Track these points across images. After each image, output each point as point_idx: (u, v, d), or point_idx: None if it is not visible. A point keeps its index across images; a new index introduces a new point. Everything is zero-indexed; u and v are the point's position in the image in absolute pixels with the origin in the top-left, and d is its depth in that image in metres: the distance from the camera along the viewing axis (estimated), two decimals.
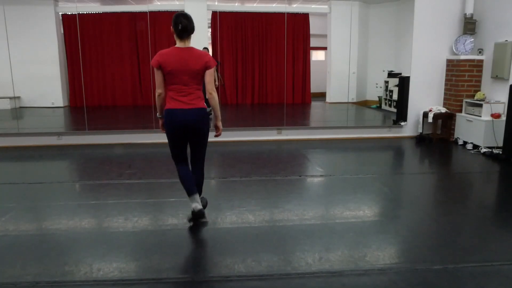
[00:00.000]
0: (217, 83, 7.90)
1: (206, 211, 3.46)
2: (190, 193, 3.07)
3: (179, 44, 2.94)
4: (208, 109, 3.08)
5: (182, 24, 2.86)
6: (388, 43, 8.51)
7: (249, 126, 6.87)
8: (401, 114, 6.83)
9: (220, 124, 3.14)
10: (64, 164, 5.40)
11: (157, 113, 3.09)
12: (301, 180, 4.48)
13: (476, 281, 2.40)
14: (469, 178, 4.73)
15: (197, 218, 3.08)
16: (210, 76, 2.94)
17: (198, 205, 3.04)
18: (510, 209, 3.64)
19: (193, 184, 3.09)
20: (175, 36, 2.92)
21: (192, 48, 2.94)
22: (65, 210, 3.54)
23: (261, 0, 8.97)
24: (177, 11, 2.99)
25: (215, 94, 2.95)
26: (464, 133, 6.14)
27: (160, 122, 3.13)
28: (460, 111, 6.33)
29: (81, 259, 2.65)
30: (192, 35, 3.01)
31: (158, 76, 2.91)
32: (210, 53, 8.47)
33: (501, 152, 5.29)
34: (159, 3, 8.50)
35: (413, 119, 6.76)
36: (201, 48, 7.15)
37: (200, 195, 3.24)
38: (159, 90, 2.95)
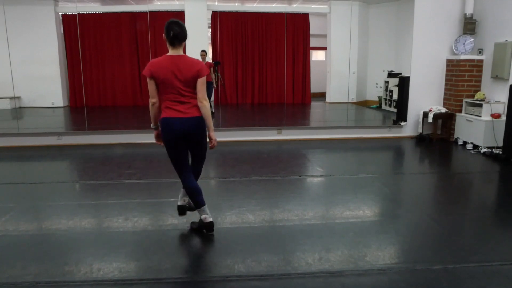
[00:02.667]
0: (214, 85, 7.91)
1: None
2: (199, 206, 3.02)
3: (171, 52, 2.85)
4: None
5: (174, 31, 2.78)
6: (388, 43, 8.52)
7: (249, 126, 6.88)
8: (401, 114, 6.83)
9: (213, 134, 2.97)
10: (64, 164, 5.40)
11: (151, 124, 2.98)
12: (301, 180, 4.48)
13: (476, 281, 2.40)
14: (469, 178, 4.73)
15: (206, 230, 3.06)
16: (201, 85, 2.86)
17: (208, 217, 3.03)
18: (510, 209, 3.63)
19: (201, 196, 3.02)
20: (167, 43, 2.86)
21: (184, 56, 2.87)
22: (65, 210, 3.54)
23: (261, 0, 8.97)
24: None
25: (206, 103, 2.86)
26: (464, 133, 6.14)
27: (155, 133, 3.04)
28: (460, 111, 6.33)
29: (81, 259, 2.65)
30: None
31: (151, 86, 2.83)
32: (210, 54, 8.48)
33: (501, 152, 5.29)
34: (159, 3, 8.50)
35: (413, 119, 6.76)
36: (199, 51, 7.19)
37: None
38: (153, 100, 2.86)
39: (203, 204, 3.02)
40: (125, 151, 5.89)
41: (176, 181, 3.91)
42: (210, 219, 3.04)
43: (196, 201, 3.01)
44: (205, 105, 2.86)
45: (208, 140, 3.00)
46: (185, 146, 2.97)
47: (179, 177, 3.04)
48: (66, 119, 8.34)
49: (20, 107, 8.02)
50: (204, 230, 3.07)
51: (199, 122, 2.91)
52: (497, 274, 2.49)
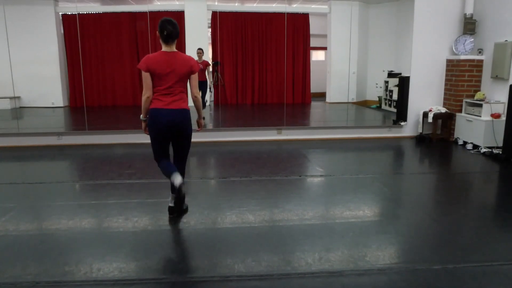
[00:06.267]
0: (212, 87, 7.90)
1: (204, 212, 3.47)
2: (171, 173, 2.99)
3: (165, 48, 3.05)
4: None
5: (168, 30, 2.98)
6: (388, 43, 8.51)
7: (249, 126, 6.87)
8: (401, 114, 6.83)
9: (202, 121, 3.38)
10: (64, 164, 5.40)
11: (141, 115, 3.16)
12: (301, 180, 4.48)
13: (476, 281, 2.40)
14: (469, 178, 4.73)
15: (179, 194, 3.00)
16: (195, 81, 3.11)
17: (179, 179, 2.95)
18: (510, 209, 3.63)
19: (175, 167, 3.10)
20: (160, 40, 3.04)
21: (177, 52, 3.07)
22: (65, 210, 3.54)
23: (261, 0, 8.97)
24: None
25: (199, 97, 3.16)
26: (464, 133, 6.14)
27: (144, 124, 3.20)
28: (460, 111, 6.33)
29: (81, 259, 2.65)
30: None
31: (146, 80, 3.03)
32: (210, 54, 8.48)
33: (501, 152, 5.29)
34: (159, 3, 8.50)
35: (413, 119, 6.76)
36: (195, 49, 7.19)
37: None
38: (147, 93, 3.04)
39: (174, 171, 3.02)
40: (125, 151, 5.89)
41: None
42: (180, 180, 2.95)
43: (168, 171, 3.10)
44: (198, 99, 3.15)
45: (197, 125, 3.34)
46: (169, 140, 3.15)
47: (157, 163, 3.20)
48: (66, 119, 8.34)
49: (20, 107, 8.02)
50: (178, 195, 3.06)
51: (186, 114, 3.11)
52: (497, 274, 2.48)
